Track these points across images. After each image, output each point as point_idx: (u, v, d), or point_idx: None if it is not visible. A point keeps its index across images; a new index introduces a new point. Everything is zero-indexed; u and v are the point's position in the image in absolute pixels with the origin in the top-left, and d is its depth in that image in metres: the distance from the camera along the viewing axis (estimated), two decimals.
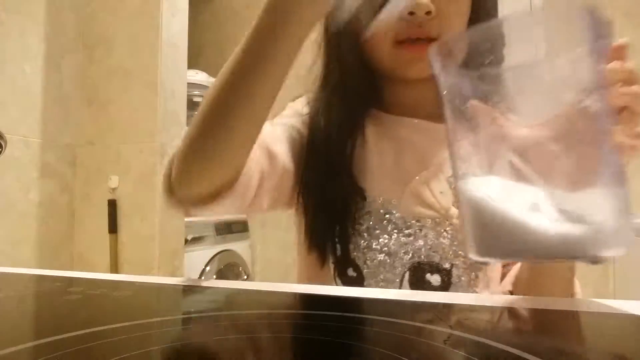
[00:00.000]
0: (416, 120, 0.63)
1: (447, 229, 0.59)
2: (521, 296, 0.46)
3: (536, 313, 0.33)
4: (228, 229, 2.16)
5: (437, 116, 0.63)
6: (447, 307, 0.35)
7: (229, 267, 2.09)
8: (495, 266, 0.63)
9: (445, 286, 0.58)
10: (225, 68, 0.45)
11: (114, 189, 1.85)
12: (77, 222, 1.91)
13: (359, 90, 0.64)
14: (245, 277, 2.21)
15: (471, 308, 0.34)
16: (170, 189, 0.52)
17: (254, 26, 0.43)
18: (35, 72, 1.74)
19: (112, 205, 1.83)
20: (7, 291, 0.40)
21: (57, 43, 1.81)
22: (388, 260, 0.59)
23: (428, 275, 0.58)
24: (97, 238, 1.86)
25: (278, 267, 2.43)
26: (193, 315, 0.31)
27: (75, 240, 1.91)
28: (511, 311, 0.34)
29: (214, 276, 1.98)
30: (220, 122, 0.46)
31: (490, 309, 0.34)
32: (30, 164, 1.73)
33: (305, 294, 0.41)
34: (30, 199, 1.73)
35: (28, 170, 1.73)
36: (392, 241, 0.59)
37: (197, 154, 0.49)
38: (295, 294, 0.41)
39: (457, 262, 0.59)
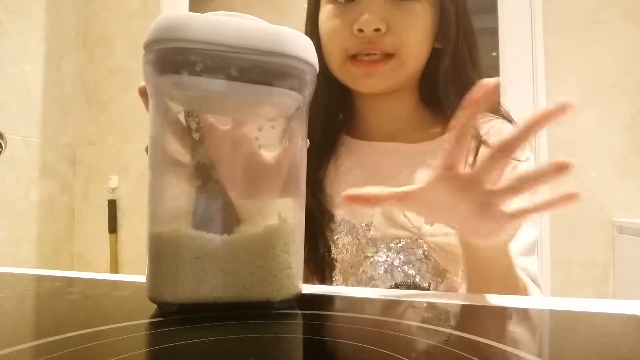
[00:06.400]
0: (386, 144, 0.64)
1: (422, 247, 0.58)
2: (521, 296, 0.46)
3: (536, 313, 0.33)
4: None
5: (407, 136, 0.64)
6: (447, 307, 0.35)
7: None
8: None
9: None
10: None
11: (114, 189, 1.85)
12: (77, 222, 1.91)
13: (330, 106, 0.64)
14: None
15: (471, 308, 0.34)
16: None
17: None
18: (35, 72, 1.74)
19: (112, 205, 1.83)
20: (7, 291, 0.40)
21: (57, 43, 1.81)
22: (369, 283, 0.59)
23: None
24: (97, 238, 1.86)
25: None
26: (193, 315, 0.31)
27: (75, 240, 1.91)
28: (511, 311, 0.34)
29: None
30: None
31: (491, 309, 0.34)
32: (30, 164, 1.73)
33: (304, 293, 0.41)
34: (30, 199, 1.73)
35: (28, 170, 1.73)
36: (368, 263, 0.59)
37: None
38: None
39: (433, 281, 0.58)
